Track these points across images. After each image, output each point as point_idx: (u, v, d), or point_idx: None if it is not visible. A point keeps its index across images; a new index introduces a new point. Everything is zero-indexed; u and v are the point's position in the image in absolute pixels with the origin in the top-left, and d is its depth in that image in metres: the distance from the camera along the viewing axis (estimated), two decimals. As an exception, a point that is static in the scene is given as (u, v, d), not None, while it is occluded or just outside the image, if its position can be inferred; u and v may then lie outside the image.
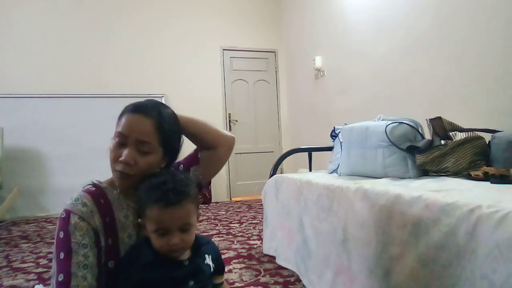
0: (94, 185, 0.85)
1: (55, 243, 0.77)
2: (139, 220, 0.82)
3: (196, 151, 1.01)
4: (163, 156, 0.87)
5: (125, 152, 0.80)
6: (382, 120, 1.59)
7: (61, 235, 0.76)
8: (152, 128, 0.82)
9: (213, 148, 0.98)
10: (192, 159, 1.00)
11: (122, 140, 0.82)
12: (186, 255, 0.82)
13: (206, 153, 0.99)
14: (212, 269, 0.87)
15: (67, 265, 0.73)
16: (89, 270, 0.74)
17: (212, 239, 0.98)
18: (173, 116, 0.90)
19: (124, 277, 0.77)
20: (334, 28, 3.60)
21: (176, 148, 0.91)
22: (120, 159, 0.80)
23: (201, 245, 0.86)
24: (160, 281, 0.77)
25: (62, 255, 0.74)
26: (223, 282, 0.95)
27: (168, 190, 0.77)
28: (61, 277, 0.72)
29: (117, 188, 0.86)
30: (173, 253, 0.79)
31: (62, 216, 0.78)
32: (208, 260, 0.87)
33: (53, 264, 0.76)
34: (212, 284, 0.90)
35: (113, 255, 0.81)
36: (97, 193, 0.83)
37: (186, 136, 0.97)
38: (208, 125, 0.99)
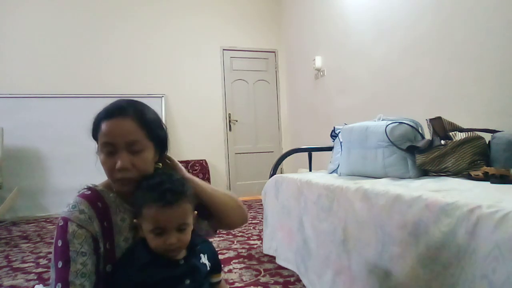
0: (89, 188, 0.84)
1: (53, 251, 0.76)
2: (135, 220, 0.82)
3: None
4: (155, 149, 0.87)
5: (119, 159, 0.79)
6: (382, 120, 1.58)
7: (59, 243, 0.75)
8: (135, 126, 0.81)
9: (230, 225, 1.00)
10: (205, 210, 0.96)
11: (111, 149, 0.80)
12: (182, 254, 0.82)
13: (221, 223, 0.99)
14: (208, 268, 0.87)
15: (65, 274, 0.72)
16: (87, 278, 0.74)
17: (212, 239, 0.98)
18: (148, 106, 0.89)
19: (121, 278, 0.77)
20: (334, 28, 3.60)
21: (162, 136, 0.89)
22: (116, 167, 0.79)
23: (196, 244, 0.86)
24: (156, 281, 0.77)
25: (60, 264, 0.73)
26: (220, 280, 0.95)
27: (166, 190, 0.78)
28: (59, 286, 0.72)
29: (114, 191, 0.86)
30: (170, 252, 0.79)
31: (60, 225, 0.77)
32: (204, 259, 0.87)
33: (51, 273, 0.75)
34: (209, 283, 0.90)
35: (110, 259, 0.80)
36: (93, 197, 0.82)
37: (209, 209, 0.95)
38: (230, 204, 0.98)
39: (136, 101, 0.88)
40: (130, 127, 0.80)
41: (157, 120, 0.89)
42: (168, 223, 0.77)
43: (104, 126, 0.80)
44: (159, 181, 0.80)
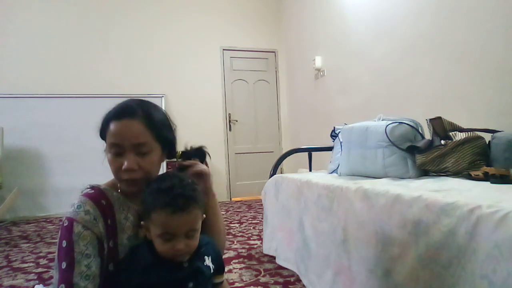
0: (92, 187, 0.84)
1: (57, 252, 0.75)
2: (142, 222, 0.82)
3: None
4: (162, 151, 0.87)
5: (126, 160, 0.79)
6: (382, 120, 1.59)
7: (64, 244, 0.74)
8: (143, 127, 0.81)
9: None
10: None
11: (118, 150, 0.80)
12: (186, 256, 0.82)
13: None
14: (212, 270, 0.87)
15: (69, 275, 0.72)
16: (91, 280, 0.73)
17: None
18: (157, 106, 0.89)
19: (123, 279, 0.77)
20: (334, 28, 3.60)
21: (170, 138, 0.90)
22: (123, 167, 0.79)
23: (201, 246, 0.85)
24: (159, 283, 0.77)
25: (64, 265, 0.72)
26: (223, 281, 0.94)
27: (176, 195, 0.76)
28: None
29: (117, 190, 0.85)
30: (177, 257, 0.79)
31: (65, 225, 0.76)
32: (208, 261, 0.86)
33: (55, 274, 0.75)
34: (212, 284, 0.90)
35: (113, 257, 0.80)
36: (97, 195, 0.82)
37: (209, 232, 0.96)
38: (224, 230, 1.04)
39: (145, 102, 0.88)
40: (138, 129, 0.81)
41: (166, 121, 0.90)
42: (177, 229, 0.76)
43: (112, 127, 0.81)
44: (170, 185, 0.78)
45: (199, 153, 0.98)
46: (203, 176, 0.95)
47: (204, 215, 0.86)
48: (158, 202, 0.76)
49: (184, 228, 0.77)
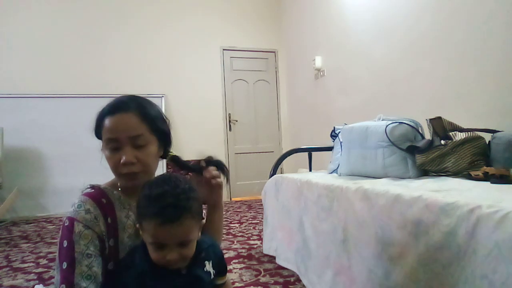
0: (92, 187, 0.84)
1: (58, 252, 0.75)
2: (137, 225, 0.79)
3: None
4: (159, 144, 0.87)
5: (124, 154, 0.79)
6: (382, 120, 1.59)
7: (65, 244, 0.74)
8: (138, 120, 0.82)
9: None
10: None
11: (115, 144, 0.80)
12: (185, 263, 0.78)
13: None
14: (212, 275, 0.84)
15: (70, 275, 0.71)
16: (92, 280, 0.72)
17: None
18: (150, 101, 0.90)
19: (120, 283, 0.75)
20: (334, 28, 3.60)
21: (165, 130, 0.90)
22: (121, 161, 0.79)
23: (201, 251, 0.82)
24: None
25: (65, 265, 0.72)
26: (225, 282, 0.93)
27: (167, 205, 0.71)
28: None
29: (118, 189, 0.85)
30: (171, 266, 0.75)
31: (66, 224, 0.75)
32: (208, 266, 0.83)
33: (56, 274, 0.74)
34: (214, 286, 0.88)
35: (113, 256, 0.79)
36: (97, 194, 0.81)
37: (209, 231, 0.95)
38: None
39: (138, 96, 0.89)
40: (133, 121, 0.81)
41: (160, 115, 0.90)
42: (168, 240, 0.72)
43: (107, 122, 0.81)
44: (161, 193, 0.73)
45: (221, 166, 0.99)
46: (216, 188, 0.95)
47: (204, 220, 0.84)
48: (148, 210, 0.72)
49: (175, 239, 0.72)
